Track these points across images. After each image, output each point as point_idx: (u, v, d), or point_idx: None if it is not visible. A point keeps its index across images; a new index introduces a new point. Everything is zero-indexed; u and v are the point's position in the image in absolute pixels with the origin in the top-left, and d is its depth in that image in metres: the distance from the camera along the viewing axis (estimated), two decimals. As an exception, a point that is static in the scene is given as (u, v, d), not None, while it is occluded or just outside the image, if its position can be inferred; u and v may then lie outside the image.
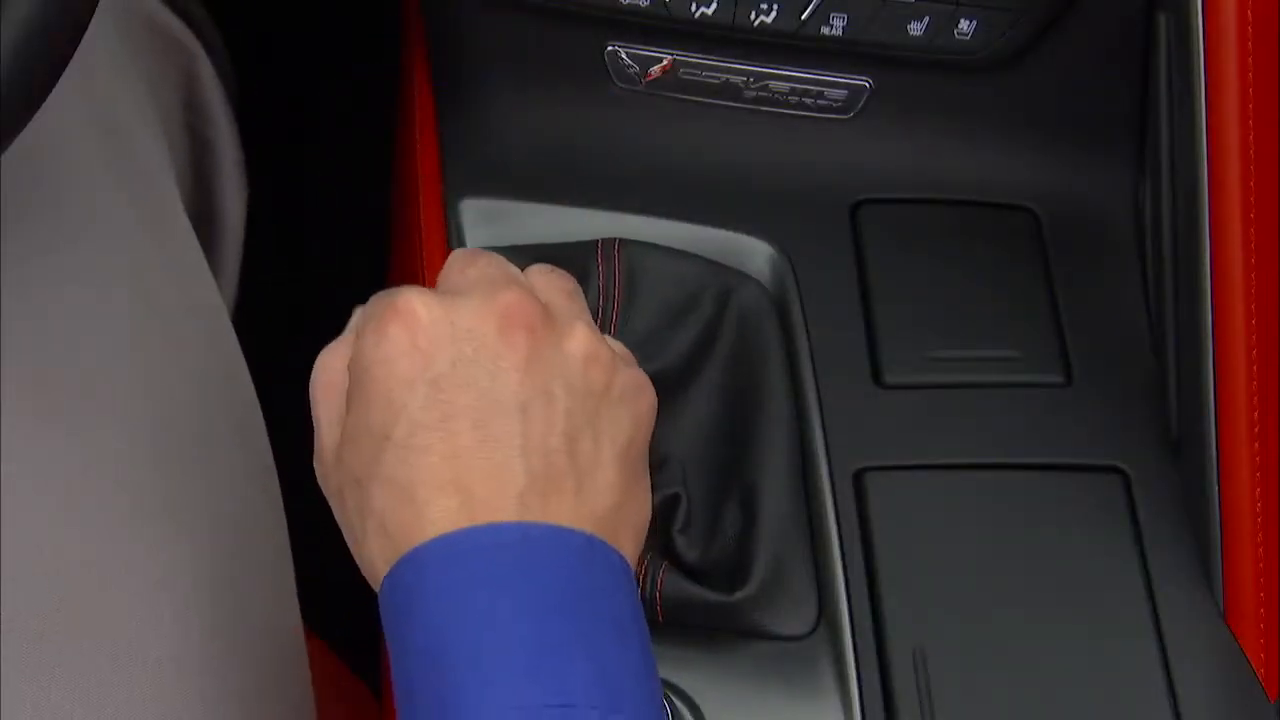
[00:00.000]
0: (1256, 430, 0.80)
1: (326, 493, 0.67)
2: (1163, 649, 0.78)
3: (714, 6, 0.85)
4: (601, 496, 0.63)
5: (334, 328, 0.69)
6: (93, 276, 0.80)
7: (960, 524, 0.81)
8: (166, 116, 0.93)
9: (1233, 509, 0.80)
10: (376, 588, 0.63)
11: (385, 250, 1.02)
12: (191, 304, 0.85)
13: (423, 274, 0.86)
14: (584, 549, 0.61)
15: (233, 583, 0.77)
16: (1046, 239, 0.90)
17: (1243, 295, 0.80)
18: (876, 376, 0.85)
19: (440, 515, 0.60)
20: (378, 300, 0.66)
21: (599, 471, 0.64)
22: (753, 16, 0.85)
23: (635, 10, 0.86)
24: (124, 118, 0.87)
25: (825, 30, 0.85)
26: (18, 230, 0.77)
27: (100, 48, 0.87)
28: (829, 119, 0.90)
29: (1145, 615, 0.79)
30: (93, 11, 0.65)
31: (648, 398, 0.68)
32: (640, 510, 0.66)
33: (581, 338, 0.65)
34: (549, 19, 0.88)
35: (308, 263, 1.37)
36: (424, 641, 0.59)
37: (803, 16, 0.85)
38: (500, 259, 0.70)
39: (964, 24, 0.85)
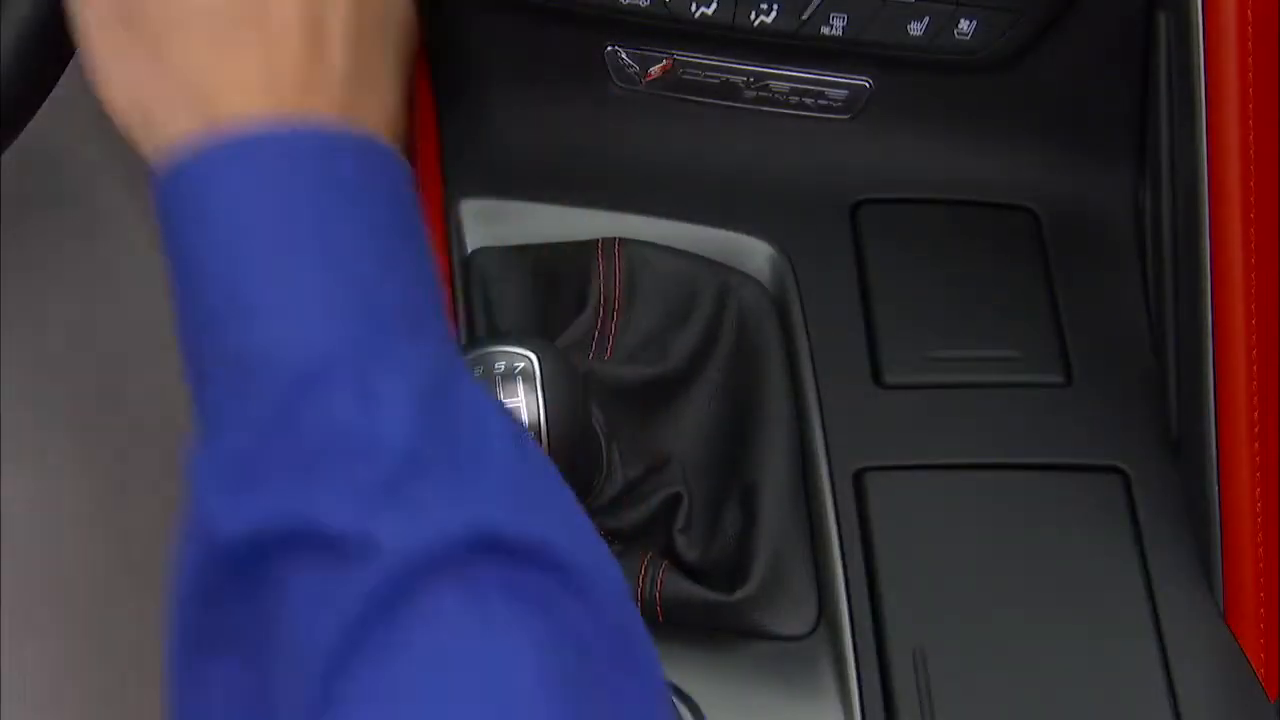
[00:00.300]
0: (1256, 430, 0.80)
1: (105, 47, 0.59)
2: (1163, 649, 0.78)
3: (714, 6, 0.85)
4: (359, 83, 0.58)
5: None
6: (117, 290, 0.80)
7: (960, 524, 0.81)
8: None
9: (1233, 509, 0.80)
10: (154, 152, 0.57)
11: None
12: None
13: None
14: (366, 150, 0.56)
15: None
16: (1046, 239, 0.90)
17: (1243, 295, 0.80)
18: (876, 376, 0.85)
19: (230, 86, 0.55)
20: None
21: (361, 54, 0.58)
22: (753, 16, 0.85)
23: (635, 10, 0.86)
24: None
25: (825, 30, 0.85)
26: (30, 235, 0.78)
27: None
28: (829, 119, 0.90)
29: (1145, 615, 0.79)
30: None
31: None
32: (391, 96, 0.60)
33: None
34: (549, 19, 0.88)
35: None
36: (206, 258, 0.54)
37: (803, 16, 0.85)
38: None
39: (964, 24, 0.85)
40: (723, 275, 0.86)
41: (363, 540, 0.49)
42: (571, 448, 0.75)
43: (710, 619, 0.78)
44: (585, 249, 0.86)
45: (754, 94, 0.89)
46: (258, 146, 0.55)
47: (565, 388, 0.74)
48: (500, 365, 0.73)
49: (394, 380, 0.52)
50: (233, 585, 0.51)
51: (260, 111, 0.55)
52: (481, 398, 0.55)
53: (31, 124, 0.65)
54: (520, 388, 0.73)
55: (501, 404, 0.55)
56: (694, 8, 0.86)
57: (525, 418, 0.73)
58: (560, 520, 0.53)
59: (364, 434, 0.51)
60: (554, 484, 0.55)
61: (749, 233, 0.88)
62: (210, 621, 0.52)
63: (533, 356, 0.74)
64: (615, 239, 0.86)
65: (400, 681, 0.48)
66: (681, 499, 0.80)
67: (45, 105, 0.66)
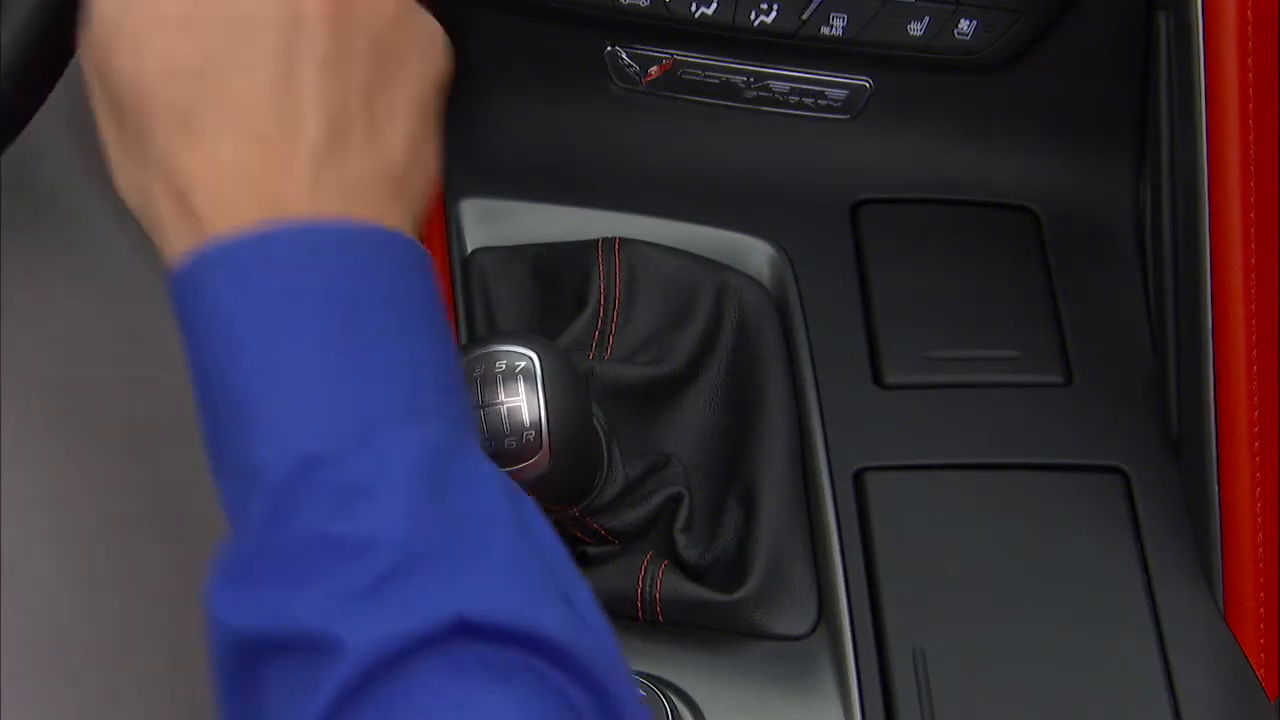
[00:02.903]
0: (1256, 430, 0.80)
1: (101, 127, 0.59)
2: (1163, 649, 0.78)
3: (714, 6, 0.85)
4: (394, 156, 0.58)
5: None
6: (89, 290, 0.80)
7: (960, 524, 0.81)
8: None
9: (1233, 509, 0.80)
10: (164, 253, 0.57)
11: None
12: None
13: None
14: (379, 243, 0.56)
15: None
16: (1046, 239, 0.90)
17: (1243, 295, 0.80)
18: (876, 376, 0.85)
19: (231, 180, 0.55)
20: None
21: (396, 126, 0.58)
22: (753, 16, 0.85)
23: (635, 10, 0.86)
24: None
25: (825, 30, 0.86)
26: (17, 241, 0.78)
27: None
28: (829, 119, 0.90)
29: (1145, 615, 0.79)
30: None
31: (437, 46, 0.61)
32: (429, 167, 0.60)
33: None
34: (549, 19, 0.88)
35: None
36: (217, 353, 0.55)
37: (803, 16, 0.85)
38: None
39: (964, 24, 0.85)
40: (723, 275, 0.86)
41: (332, 640, 0.50)
42: (572, 447, 0.75)
43: (710, 619, 0.78)
44: (585, 249, 0.86)
45: (754, 94, 0.89)
46: (251, 248, 0.55)
47: (566, 387, 0.74)
48: (501, 364, 0.73)
49: (385, 471, 0.53)
50: (234, 677, 0.53)
51: (251, 212, 0.55)
52: (484, 472, 0.55)
53: (27, 138, 0.66)
54: (521, 387, 0.73)
55: (504, 474, 0.56)
56: (694, 8, 0.86)
57: (526, 417, 0.73)
58: (553, 600, 0.54)
59: (345, 540, 0.52)
60: (552, 557, 0.55)
61: (749, 233, 0.88)
62: (225, 702, 0.54)
63: (534, 355, 0.74)
64: (615, 239, 0.86)
65: None
66: (682, 499, 0.80)
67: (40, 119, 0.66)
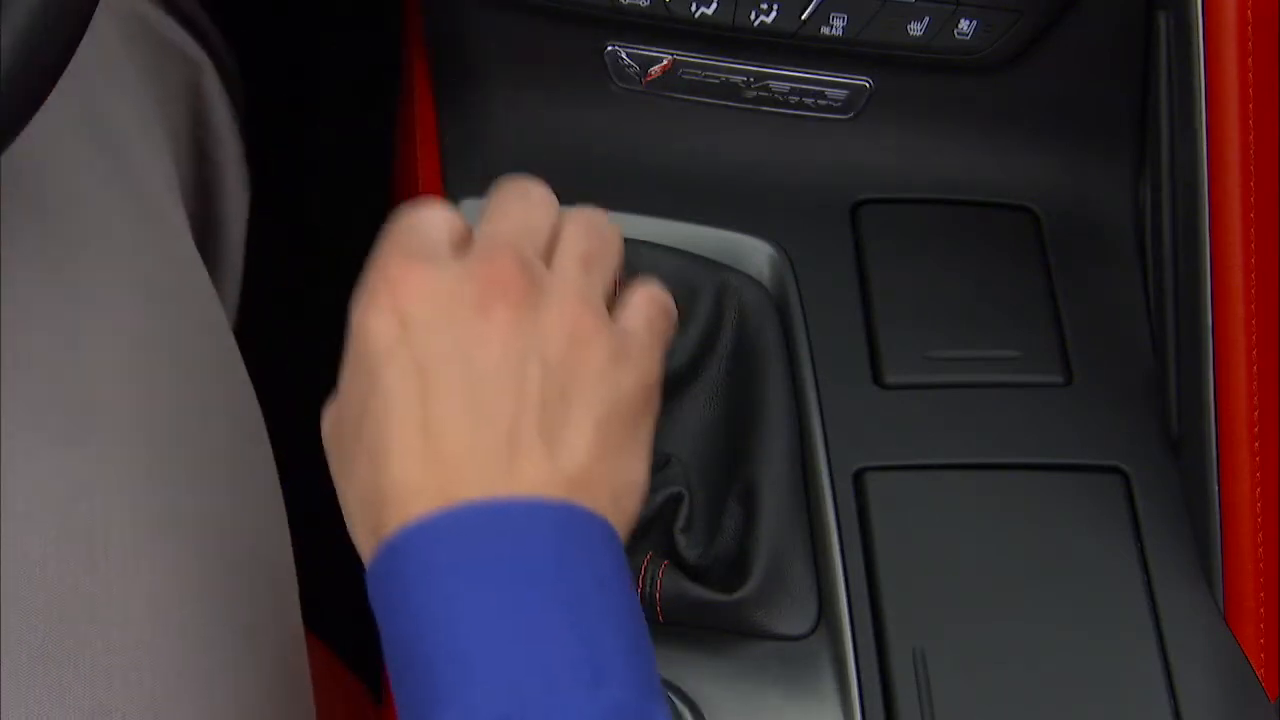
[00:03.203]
0: (1256, 430, 0.80)
1: (330, 461, 0.68)
2: (1163, 649, 0.78)
3: (714, 6, 0.85)
4: (573, 459, 0.63)
5: (333, 334, 0.70)
6: (95, 292, 0.80)
7: (960, 524, 0.81)
8: (173, 132, 0.93)
9: (1233, 509, 0.80)
10: (366, 564, 0.64)
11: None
12: (195, 319, 0.85)
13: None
14: (559, 520, 0.62)
15: (237, 595, 0.77)
16: (1046, 239, 0.90)
17: (1243, 295, 0.80)
18: (876, 376, 0.85)
19: (412, 483, 0.62)
20: (375, 263, 0.67)
21: (571, 436, 0.63)
22: (753, 16, 0.85)
23: (635, 10, 0.86)
24: (127, 133, 0.87)
25: (825, 30, 0.86)
26: (18, 245, 0.77)
27: (105, 64, 0.87)
28: (829, 119, 0.90)
29: (1145, 615, 0.79)
30: (90, 16, 0.66)
31: (635, 374, 0.67)
32: (621, 471, 0.65)
33: (564, 312, 0.65)
34: (549, 19, 0.88)
35: (307, 266, 1.37)
36: (407, 629, 0.60)
37: (803, 16, 0.85)
38: (547, 201, 0.71)
39: (964, 24, 0.85)
40: (723, 275, 0.86)
41: None
42: None
43: (710, 619, 0.78)
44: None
45: (754, 94, 0.89)
46: (435, 527, 0.61)
47: None
48: None
49: None
50: None
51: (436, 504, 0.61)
52: None
53: (34, 140, 0.66)
54: None
55: None
56: (694, 8, 0.86)
57: None
58: None
59: None
60: None
61: (749, 233, 0.88)
62: None
63: None
64: None
65: None
66: (682, 498, 0.80)
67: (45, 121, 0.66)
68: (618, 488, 0.65)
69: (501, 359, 0.63)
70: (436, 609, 0.60)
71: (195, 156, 0.97)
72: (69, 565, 0.72)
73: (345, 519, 0.66)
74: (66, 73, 0.74)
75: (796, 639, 0.79)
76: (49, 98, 0.68)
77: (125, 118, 0.87)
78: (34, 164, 0.79)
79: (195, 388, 0.82)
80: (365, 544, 0.63)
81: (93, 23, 0.86)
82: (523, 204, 0.69)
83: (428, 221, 0.68)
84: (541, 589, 0.60)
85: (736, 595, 0.78)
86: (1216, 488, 0.80)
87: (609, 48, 0.89)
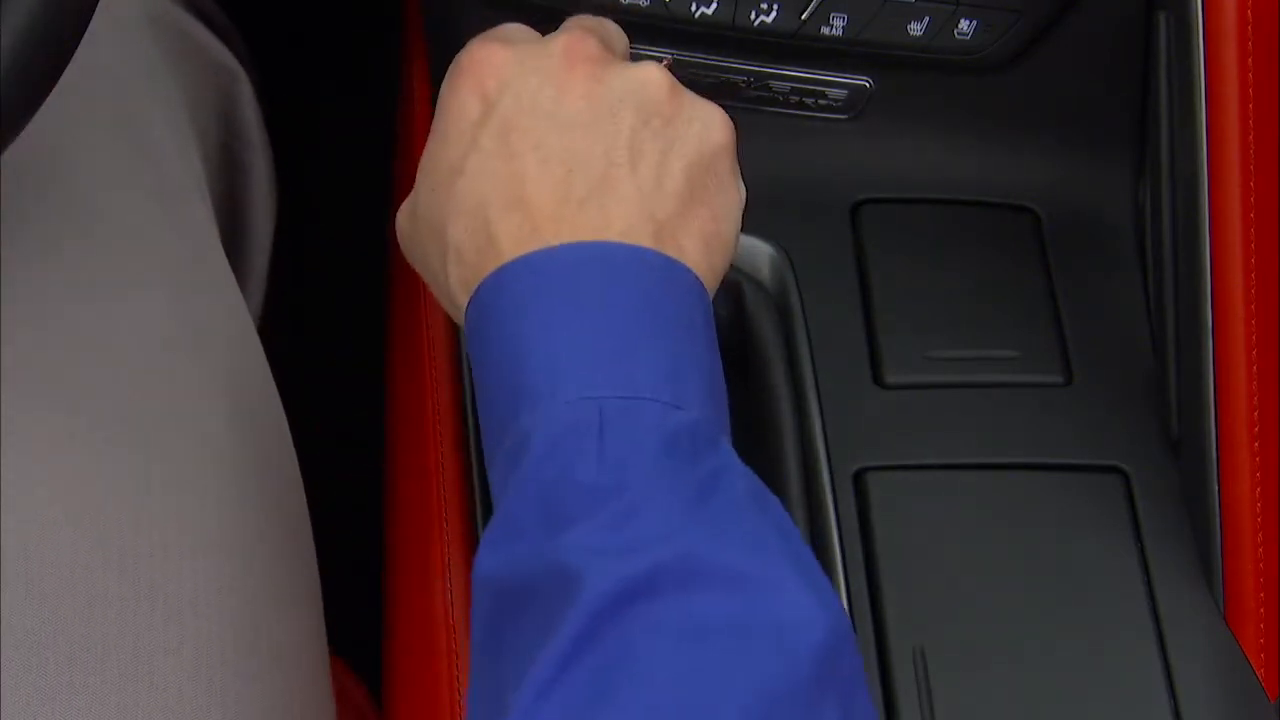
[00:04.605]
0: (1256, 430, 0.80)
1: (409, 256, 0.70)
2: (1163, 649, 0.78)
3: (714, 6, 0.85)
4: (664, 203, 0.65)
5: (332, 334, 0.70)
6: (124, 293, 0.80)
7: (960, 524, 0.81)
8: (203, 136, 0.93)
9: (1233, 509, 0.80)
10: (461, 322, 0.66)
11: (387, 252, 1.02)
12: (221, 322, 0.85)
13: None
14: (650, 261, 0.64)
15: (258, 602, 0.77)
16: (1046, 239, 0.90)
17: (1243, 295, 0.80)
18: (876, 376, 0.85)
19: (509, 231, 0.64)
20: (457, 57, 0.71)
21: (662, 179, 0.66)
22: (753, 16, 0.85)
23: (635, 10, 0.86)
24: (158, 136, 0.87)
25: (825, 30, 0.85)
26: (46, 245, 0.78)
27: (141, 69, 0.88)
28: (829, 119, 0.90)
29: (1145, 615, 0.79)
30: (90, 17, 0.66)
31: (719, 123, 0.69)
32: (710, 220, 0.67)
33: (646, 68, 0.69)
34: (549, 19, 0.88)
35: (308, 267, 1.37)
36: (499, 352, 0.63)
37: (803, 16, 0.85)
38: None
39: (964, 24, 0.85)
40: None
41: (577, 580, 0.56)
42: None
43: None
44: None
45: (754, 94, 0.89)
46: (544, 259, 0.63)
47: None
48: None
49: (638, 438, 0.59)
50: (491, 627, 0.59)
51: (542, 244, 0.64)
52: (735, 466, 0.61)
53: (64, 141, 0.66)
54: None
55: (761, 485, 0.63)
56: (694, 8, 0.86)
57: None
58: (790, 563, 0.58)
59: (599, 488, 0.58)
60: (793, 542, 0.60)
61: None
62: (482, 639, 0.60)
63: None
64: None
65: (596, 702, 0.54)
66: None
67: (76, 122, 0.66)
68: (708, 237, 0.67)
69: (588, 107, 0.66)
70: (529, 332, 0.62)
71: (225, 160, 0.98)
72: (97, 569, 0.72)
73: (437, 294, 0.68)
74: (102, 75, 0.74)
75: (796, 639, 0.79)
76: (84, 99, 0.69)
77: (156, 120, 0.88)
78: (66, 164, 0.79)
79: (221, 391, 0.82)
80: (460, 300, 0.65)
81: (131, 28, 0.86)
82: (588, 20, 0.73)
83: (505, 26, 0.73)
84: (630, 318, 0.62)
85: (736, 595, 0.78)
86: (1216, 488, 0.80)
87: (609, 48, 0.89)
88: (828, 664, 0.56)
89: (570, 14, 0.87)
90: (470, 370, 0.76)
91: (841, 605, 0.59)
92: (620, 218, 0.64)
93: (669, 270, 0.64)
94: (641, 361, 0.61)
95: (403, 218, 0.71)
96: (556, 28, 0.88)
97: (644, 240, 0.64)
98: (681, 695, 0.54)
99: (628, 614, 0.55)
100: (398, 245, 0.72)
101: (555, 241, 0.63)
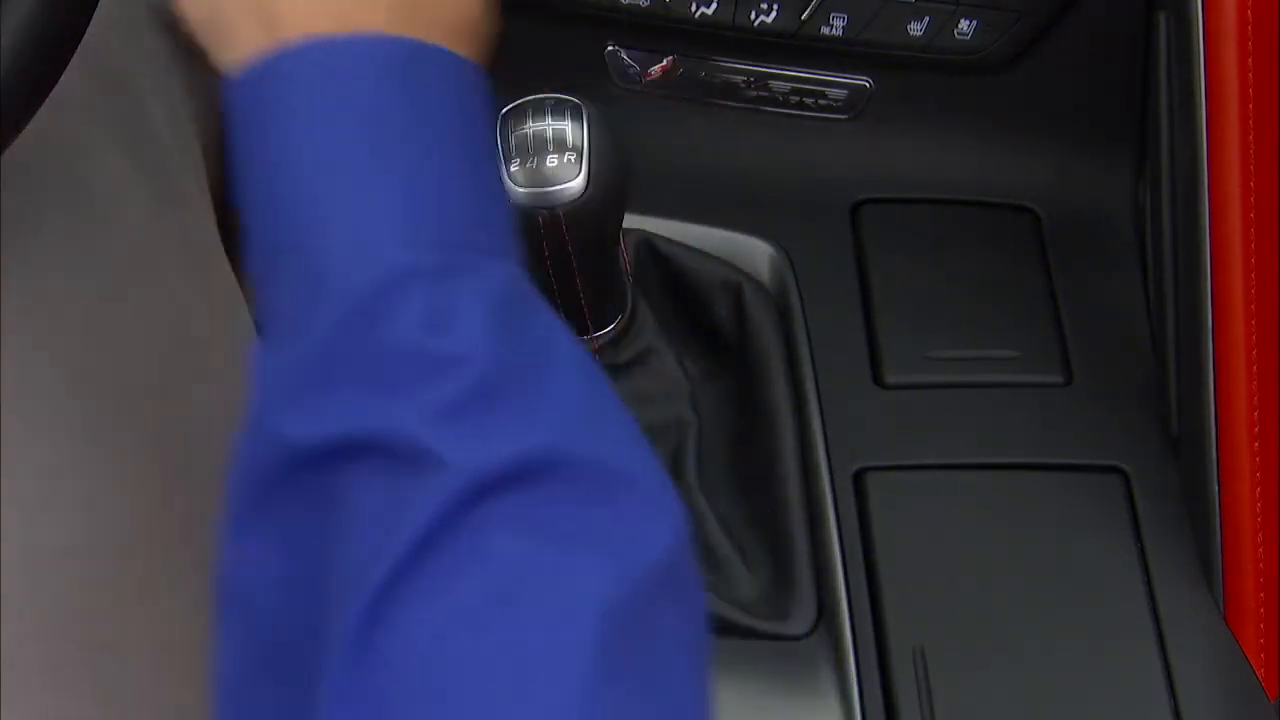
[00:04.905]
0: (1256, 430, 0.80)
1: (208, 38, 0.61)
2: (1163, 649, 0.78)
3: (714, 6, 0.85)
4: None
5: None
6: (124, 292, 0.80)
7: (960, 524, 0.81)
8: (204, 131, 0.93)
9: (1233, 509, 0.80)
10: (227, 59, 0.58)
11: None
12: (221, 321, 0.85)
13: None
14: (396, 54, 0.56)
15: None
16: (1046, 239, 0.90)
17: (1243, 295, 0.80)
18: (876, 376, 0.85)
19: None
20: None
21: None
22: (753, 16, 0.85)
23: (635, 10, 0.86)
24: (159, 132, 0.87)
25: (825, 30, 0.86)
26: (49, 244, 0.78)
27: (139, 61, 0.88)
28: (830, 119, 0.90)
29: (1145, 615, 0.79)
30: (90, 18, 0.66)
31: None
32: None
33: None
34: (549, 19, 0.88)
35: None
36: (279, 156, 0.56)
37: (803, 16, 0.85)
38: None
39: (964, 24, 0.85)
40: (727, 271, 0.87)
41: (432, 458, 0.50)
42: (607, 183, 0.75)
43: (710, 619, 0.78)
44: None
45: (754, 94, 0.89)
46: (334, 53, 0.55)
47: (609, 130, 0.76)
48: (551, 101, 0.76)
49: (470, 298, 0.52)
50: (293, 488, 0.52)
51: (328, 27, 0.55)
52: (553, 320, 0.55)
53: (69, 142, 0.66)
54: (568, 117, 0.75)
55: (569, 330, 0.56)
56: (694, 8, 0.86)
57: (570, 138, 0.75)
58: (628, 440, 0.53)
59: (436, 353, 0.51)
60: (619, 411, 0.55)
61: (749, 233, 0.88)
62: (262, 514, 0.53)
63: (581, 102, 0.76)
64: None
65: (456, 599, 0.49)
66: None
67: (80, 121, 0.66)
68: (451, 20, 0.59)
69: None
70: (322, 149, 0.54)
71: (226, 159, 0.97)
72: (100, 562, 0.72)
73: (190, 22, 0.60)
74: (103, 71, 0.74)
75: (796, 639, 0.79)
76: (84, 96, 0.68)
77: (160, 117, 0.88)
78: (66, 163, 0.79)
79: (220, 394, 0.82)
80: (244, 34, 0.57)
81: (133, 23, 0.86)
82: None
83: None
84: (438, 135, 0.55)
85: (737, 595, 0.78)
86: (1216, 488, 0.80)
87: (609, 48, 0.89)
88: (675, 567, 0.53)
89: (570, 14, 0.87)
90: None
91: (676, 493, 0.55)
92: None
93: (457, 70, 0.56)
94: (451, 201, 0.54)
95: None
96: (558, 27, 0.89)
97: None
98: (537, 611, 0.49)
99: (486, 507, 0.50)
100: None
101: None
